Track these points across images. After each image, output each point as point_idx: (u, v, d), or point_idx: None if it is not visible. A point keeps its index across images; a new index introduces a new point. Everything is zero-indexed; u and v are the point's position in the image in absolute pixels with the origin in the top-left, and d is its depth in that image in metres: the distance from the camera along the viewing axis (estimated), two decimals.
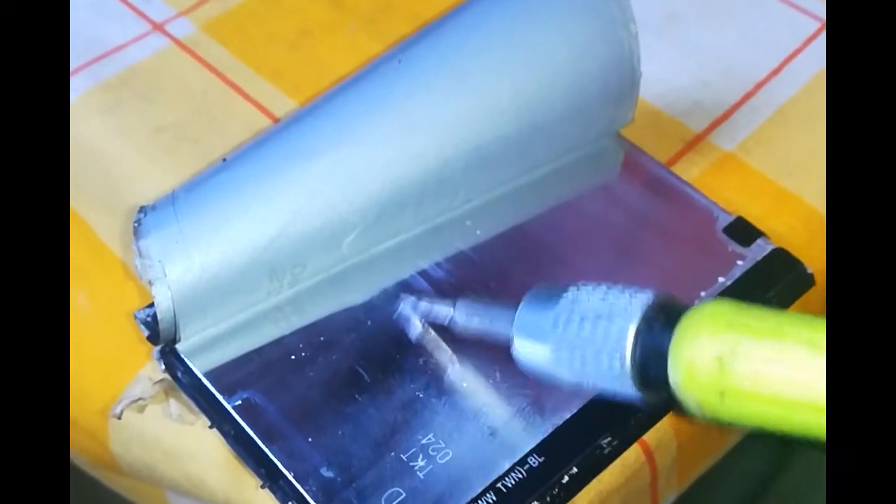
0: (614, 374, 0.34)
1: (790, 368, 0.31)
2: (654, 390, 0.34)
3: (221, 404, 0.38)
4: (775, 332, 0.31)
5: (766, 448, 0.50)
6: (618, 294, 0.35)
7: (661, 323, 0.34)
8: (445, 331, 0.39)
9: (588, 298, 0.35)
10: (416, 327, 0.39)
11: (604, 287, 0.35)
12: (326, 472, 0.36)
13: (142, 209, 0.40)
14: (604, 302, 0.35)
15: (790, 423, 0.31)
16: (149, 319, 0.40)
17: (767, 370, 0.31)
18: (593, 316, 0.34)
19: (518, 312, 0.36)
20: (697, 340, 0.32)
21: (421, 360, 0.39)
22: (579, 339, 0.34)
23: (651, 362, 0.33)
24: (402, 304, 0.40)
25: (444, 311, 0.39)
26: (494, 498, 0.35)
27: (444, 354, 0.39)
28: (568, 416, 0.37)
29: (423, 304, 0.39)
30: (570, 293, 0.35)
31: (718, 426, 0.41)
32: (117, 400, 0.40)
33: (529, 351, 0.36)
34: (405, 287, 0.41)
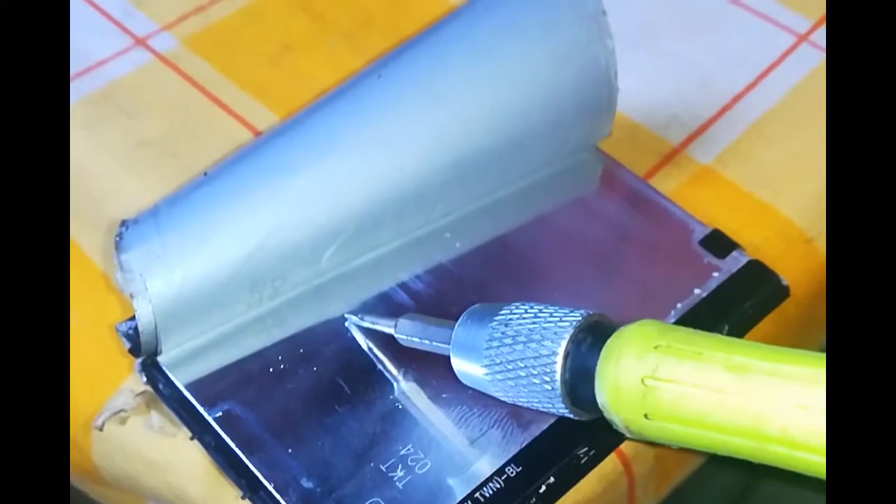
0: (546, 395, 0.35)
1: (708, 391, 0.31)
2: (586, 409, 0.35)
3: (202, 416, 0.38)
4: (696, 354, 0.32)
5: None
6: (549, 315, 0.35)
7: (588, 343, 0.34)
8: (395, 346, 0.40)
9: (520, 319, 0.36)
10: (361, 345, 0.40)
11: (536, 308, 0.36)
12: (306, 483, 0.36)
13: (123, 223, 0.40)
14: (535, 323, 0.35)
15: (712, 444, 0.32)
16: (130, 332, 0.40)
17: (688, 392, 0.31)
18: (524, 337, 0.35)
19: (455, 332, 0.37)
20: (622, 361, 0.33)
21: (401, 372, 0.39)
22: (511, 360, 0.35)
23: (580, 382, 0.34)
24: (346, 323, 0.40)
25: (385, 329, 0.39)
26: None
27: (390, 372, 0.39)
28: (545, 426, 0.37)
29: (366, 323, 0.40)
30: (504, 314, 0.36)
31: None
32: (99, 412, 0.40)
33: (465, 370, 0.37)
34: (385, 300, 0.41)
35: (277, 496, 0.36)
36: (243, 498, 0.36)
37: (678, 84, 0.51)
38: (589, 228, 0.44)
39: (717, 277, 0.41)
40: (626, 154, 0.47)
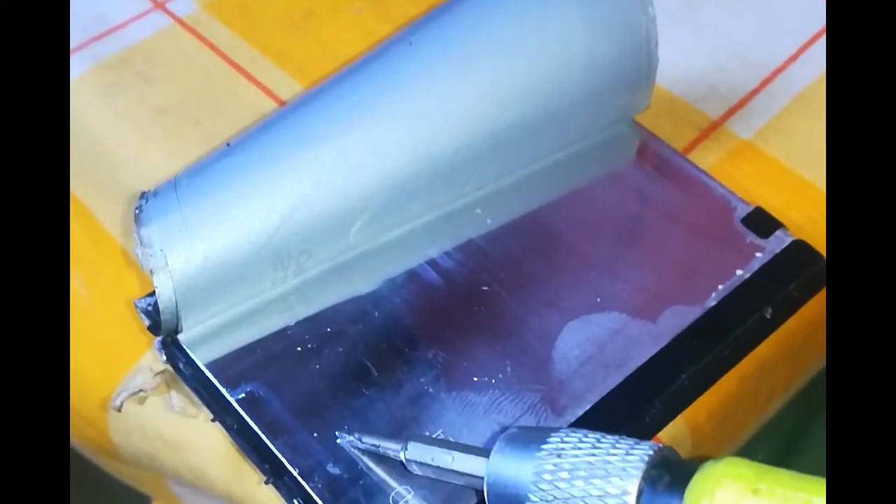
0: None
1: None
2: None
3: (224, 397, 0.37)
4: (806, 502, 0.28)
5: (777, 439, 0.49)
6: (610, 446, 0.31)
7: (666, 483, 0.30)
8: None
9: (574, 449, 0.31)
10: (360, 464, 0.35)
11: (594, 437, 0.31)
12: (333, 469, 0.35)
13: (143, 195, 0.38)
14: (595, 455, 0.31)
15: None
16: (150, 309, 0.39)
17: None
18: (584, 472, 0.30)
19: (491, 460, 0.32)
20: None
21: (430, 354, 0.37)
22: (568, 497, 0.31)
23: None
24: (339, 441, 0.35)
25: (391, 451, 0.35)
26: None
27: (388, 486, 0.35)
28: (581, 412, 0.36)
29: (366, 444, 0.35)
30: (554, 442, 0.32)
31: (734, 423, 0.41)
32: (116, 391, 0.39)
33: None
34: (413, 277, 0.40)
35: (303, 482, 0.34)
36: (266, 483, 0.35)
37: (717, 56, 0.49)
38: (625, 205, 0.43)
39: (759, 258, 0.40)
40: (663, 127, 0.45)
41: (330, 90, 0.40)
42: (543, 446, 0.31)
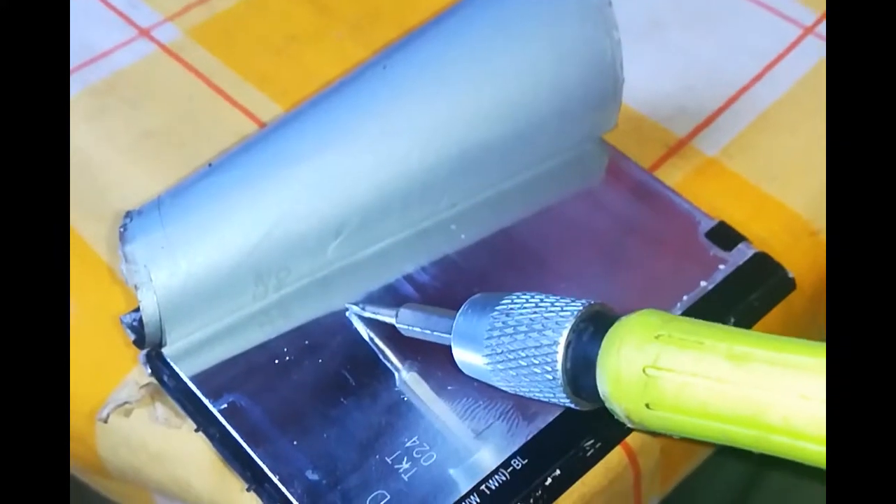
0: (547, 385, 0.35)
1: (709, 380, 0.31)
2: (587, 399, 0.35)
3: (207, 408, 0.38)
4: (697, 344, 0.31)
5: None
6: (550, 304, 0.35)
7: (590, 333, 0.34)
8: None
9: (521, 309, 0.35)
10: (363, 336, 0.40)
11: (538, 297, 0.36)
12: (311, 475, 0.36)
13: (127, 214, 0.40)
14: (536, 313, 0.35)
15: (714, 434, 0.31)
16: (135, 324, 0.40)
17: (689, 382, 0.31)
18: (525, 327, 0.35)
19: (456, 321, 0.37)
20: (623, 351, 0.33)
21: (406, 364, 0.39)
22: (512, 349, 0.35)
23: (581, 372, 0.34)
24: (347, 313, 0.40)
25: (386, 318, 0.39)
26: (478, 500, 0.35)
27: (391, 363, 0.39)
28: (551, 418, 0.37)
29: (367, 313, 0.40)
30: (505, 303, 0.36)
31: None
32: (104, 404, 0.40)
33: (467, 360, 0.37)
34: (390, 291, 0.41)
35: (283, 488, 0.36)
36: (248, 490, 0.36)
37: (684, 75, 0.51)
38: (594, 220, 0.44)
39: (723, 270, 0.41)
40: (631, 146, 0.47)
41: (308, 112, 0.42)
42: (496, 307, 0.36)
